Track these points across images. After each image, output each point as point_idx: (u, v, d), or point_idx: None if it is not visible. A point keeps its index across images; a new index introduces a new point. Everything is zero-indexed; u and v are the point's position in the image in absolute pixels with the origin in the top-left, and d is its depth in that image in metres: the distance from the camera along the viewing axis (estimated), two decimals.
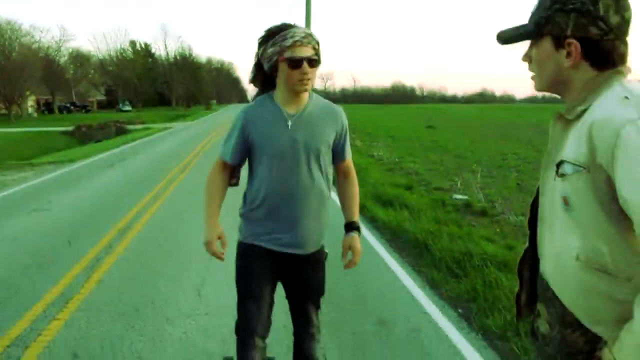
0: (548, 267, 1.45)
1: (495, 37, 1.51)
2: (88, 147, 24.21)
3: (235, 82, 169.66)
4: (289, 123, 2.36)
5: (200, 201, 7.79)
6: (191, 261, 5.59)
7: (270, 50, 2.27)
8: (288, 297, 2.69)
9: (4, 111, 58.59)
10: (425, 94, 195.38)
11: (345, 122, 2.54)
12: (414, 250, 6.00)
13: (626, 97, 1.23)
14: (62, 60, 78.29)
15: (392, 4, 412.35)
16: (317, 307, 2.69)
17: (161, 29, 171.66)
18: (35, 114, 66.97)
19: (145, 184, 10.85)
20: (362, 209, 7.99)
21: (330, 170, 2.53)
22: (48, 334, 3.86)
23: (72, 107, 76.32)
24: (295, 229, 2.44)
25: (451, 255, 5.45)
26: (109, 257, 5.72)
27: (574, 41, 1.34)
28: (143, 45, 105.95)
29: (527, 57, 1.50)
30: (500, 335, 3.82)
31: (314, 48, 2.30)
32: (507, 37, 1.50)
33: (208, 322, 4.05)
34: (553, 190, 1.40)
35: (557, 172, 1.36)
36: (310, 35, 2.30)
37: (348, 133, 2.57)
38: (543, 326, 1.48)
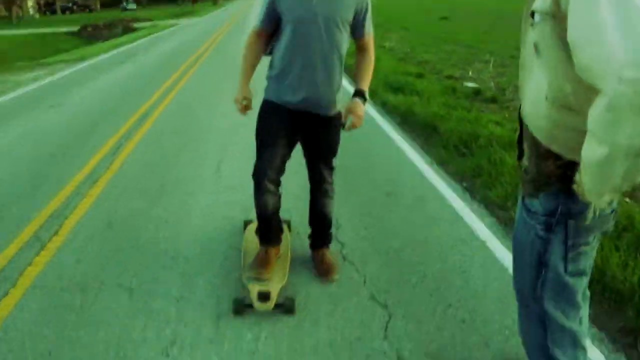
0: (526, 108, 1.63)
1: None
2: (96, 46, 23.95)
3: None
4: None
5: (213, 90, 8.04)
6: (208, 143, 5.91)
7: None
8: (305, 155, 3.01)
9: (4, 13, 57.36)
10: None
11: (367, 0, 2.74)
12: (422, 131, 6.19)
13: None
14: None
15: None
16: (331, 166, 3.00)
17: None
18: (37, 15, 65.63)
19: (158, 77, 10.94)
20: (373, 95, 8.07)
21: (345, 45, 2.76)
22: (82, 208, 4.20)
23: (74, 7, 74.54)
24: (312, 91, 2.72)
25: (459, 136, 5.63)
26: (129, 143, 5.99)
27: None
28: None
29: None
30: (500, 205, 4.07)
31: None
32: None
33: (229, 195, 4.36)
34: (529, 40, 1.54)
35: (530, 22, 1.49)
36: None
37: (369, 11, 2.78)
38: (526, 160, 1.68)
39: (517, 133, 1.85)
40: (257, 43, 2.83)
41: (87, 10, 75.99)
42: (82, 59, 16.48)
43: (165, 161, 5.34)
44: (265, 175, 2.81)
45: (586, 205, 1.51)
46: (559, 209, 1.58)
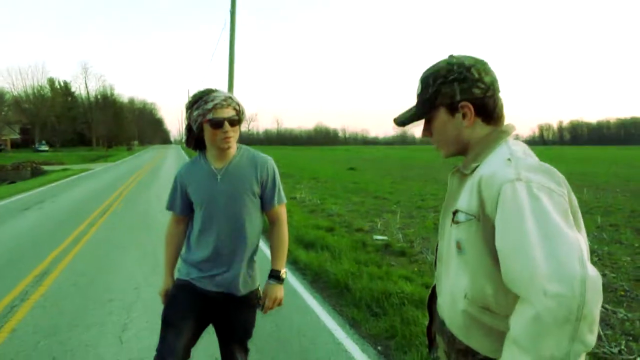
0: (443, 303, 1.64)
1: (393, 121, 1.77)
2: (1, 189, 23.04)
3: (158, 122, 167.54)
4: (218, 177, 2.63)
5: (121, 245, 7.71)
6: (112, 306, 5.51)
7: (195, 114, 2.56)
8: (218, 337, 2.84)
9: None
10: (347, 136, 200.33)
11: (272, 170, 2.73)
12: (334, 290, 6.16)
13: (509, 159, 1.45)
14: None
15: (315, 48, 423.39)
16: (245, 348, 2.84)
17: (81, 67, 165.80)
18: None
19: (64, 228, 10.53)
20: None
21: (258, 219, 2.74)
22: None
23: None
24: (225, 272, 2.65)
25: (371, 295, 5.66)
26: (24, 305, 5.53)
27: (467, 103, 1.59)
28: (62, 84, 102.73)
29: (427, 132, 1.73)
30: None
31: (235, 109, 2.58)
32: (404, 120, 1.74)
33: None
34: (449, 235, 1.59)
35: (452, 219, 1.55)
36: (231, 97, 2.58)
37: (277, 181, 2.75)
38: (441, 355, 1.68)
39: (427, 322, 1.85)
40: (177, 228, 2.83)
41: None
42: None
43: (62, 327, 4.91)
44: None
45: None
46: None
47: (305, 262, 7.35)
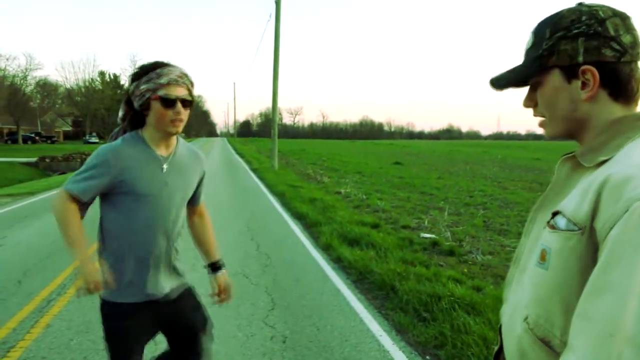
0: (505, 315, 1.30)
1: (489, 84, 1.33)
2: (50, 179, 23.64)
3: (204, 115, 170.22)
4: (164, 166, 2.28)
5: None
6: None
7: (143, 87, 2.15)
8: (176, 341, 2.52)
9: None
10: (393, 129, 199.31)
11: (206, 166, 2.57)
12: (380, 292, 5.83)
13: None
14: (28, 89, 76.80)
15: (361, 41, 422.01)
16: (211, 336, 2.61)
17: (130, 60, 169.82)
18: None
19: None
20: (328, 248, 7.81)
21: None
22: None
23: (37, 138, 74.79)
24: (164, 275, 2.36)
25: (418, 298, 5.31)
26: (61, 299, 5.41)
27: (590, 67, 1.15)
28: (112, 76, 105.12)
29: (531, 101, 1.30)
30: None
31: (188, 89, 2.22)
32: (502, 81, 1.31)
33: None
34: (537, 237, 1.21)
35: (549, 221, 1.16)
36: (186, 75, 2.23)
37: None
38: None
39: (497, 347, 1.50)
40: (76, 209, 2.27)
41: (50, 141, 76.30)
42: (33, 192, 16.04)
43: (94, 325, 4.70)
44: None
45: None
46: None
47: (349, 260, 7.01)
